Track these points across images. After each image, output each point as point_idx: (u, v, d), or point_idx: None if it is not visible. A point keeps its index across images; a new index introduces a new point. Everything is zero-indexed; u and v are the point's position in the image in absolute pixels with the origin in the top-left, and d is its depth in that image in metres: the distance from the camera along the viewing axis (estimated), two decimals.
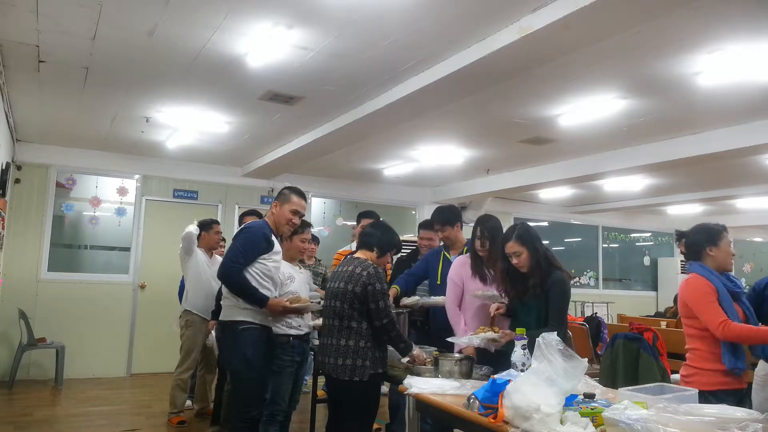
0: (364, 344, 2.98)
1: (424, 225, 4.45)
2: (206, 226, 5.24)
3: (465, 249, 3.86)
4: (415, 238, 4.76)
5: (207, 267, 5.13)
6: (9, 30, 3.80)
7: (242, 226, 3.65)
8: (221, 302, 3.46)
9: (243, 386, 3.28)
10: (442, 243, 4.10)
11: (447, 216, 3.91)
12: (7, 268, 6.67)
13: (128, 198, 7.62)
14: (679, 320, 6.49)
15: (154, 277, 7.49)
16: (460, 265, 3.55)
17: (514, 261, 3.02)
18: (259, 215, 4.76)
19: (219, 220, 6.98)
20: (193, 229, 5.03)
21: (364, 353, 2.97)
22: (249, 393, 3.26)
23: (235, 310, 3.30)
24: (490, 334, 2.93)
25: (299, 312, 3.49)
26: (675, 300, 8.41)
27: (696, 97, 4.67)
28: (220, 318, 3.44)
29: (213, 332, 5.06)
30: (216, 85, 4.75)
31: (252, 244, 3.30)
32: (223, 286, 3.49)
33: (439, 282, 3.87)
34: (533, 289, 2.99)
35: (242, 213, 5.19)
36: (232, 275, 3.26)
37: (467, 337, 3.02)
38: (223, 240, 5.62)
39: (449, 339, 3.18)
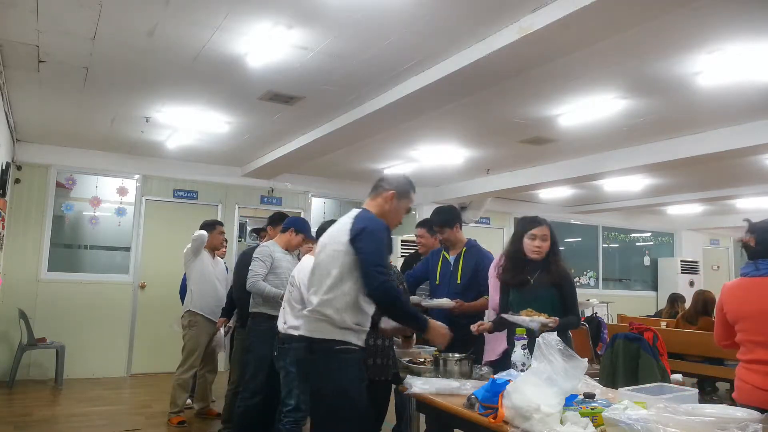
0: (388, 343, 3.03)
1: (420, 224, 4.44)
2: (210, 226, 5.26)
3: (464, 249, 3.87)
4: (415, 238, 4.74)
5: (211, 268, 5.14)
6: (9, 30, 3.80)
7: (360, 223, 2.61)
8: (303, 312, 2.70)
9: (331, 420, 2.53)
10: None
11: (445, 217, 3.91)
12: (7, 268, 6.66)
13: (128, 198, 7.62)
14: (680, 321, 6.49)
15: (154, 277, 7.49)
16: None
17: (538, 244, 3.06)
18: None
19: (219, 220, 6.99)
20: (205, 232, 5.06)
21: (388, 352, 3.02)
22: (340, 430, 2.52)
23: (328, 327, 2.53)
24: (543, 319, 2.84)
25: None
26: (670, 301, 8.40)
27: (696, 97, 4.67)
28: (305, 333, 2.61)
29: (221, 330, 5.05)
30: (216, 85, 4.75)
31: (387, 245, 2.60)
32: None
33: (438, 282, 3.87)
34: (539, 279, 3.05)
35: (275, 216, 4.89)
36: (389, 289, 2.49)
37: (522, 318, 2.91)
38: (225, 241, 5.62)
39: (504, 315, 3.01)
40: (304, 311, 2.65)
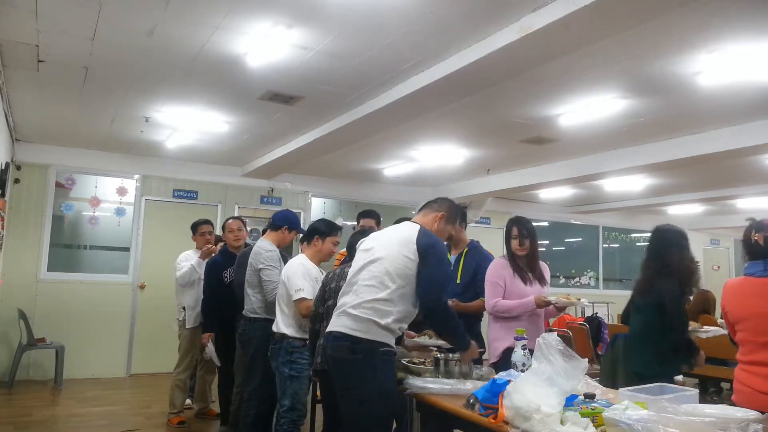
0: None
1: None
2: (193, 228, 5.27)
3: (466, 249, 3.86)
4: None
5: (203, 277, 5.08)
6: (9, 30, 3.80)
7: (428, 240, 2.69)
8: (348, 310, 2.66)
9: (368, 420, 2.58)
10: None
11: None
12: (6, 268, 6.66)
13: (128, 198, 7.61)
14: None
15: (153, 277, 7.48)
16: (501, 267, 3.49)
17: None
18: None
19: (218, 220, 6.99)
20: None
21: None
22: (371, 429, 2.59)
23: (374, 328, 2.57)
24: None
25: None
26: None
27: (696, 97, 4.66)
28: (347, 332, 2.60)
29: (209, 344, 4.91)
30: (216, 85, 4.75)
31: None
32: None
33: None
34: None
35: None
36: (445, 305, 2.74)
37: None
38: (218, 238, 5.58)
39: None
40: (348, 309, 2.63)
